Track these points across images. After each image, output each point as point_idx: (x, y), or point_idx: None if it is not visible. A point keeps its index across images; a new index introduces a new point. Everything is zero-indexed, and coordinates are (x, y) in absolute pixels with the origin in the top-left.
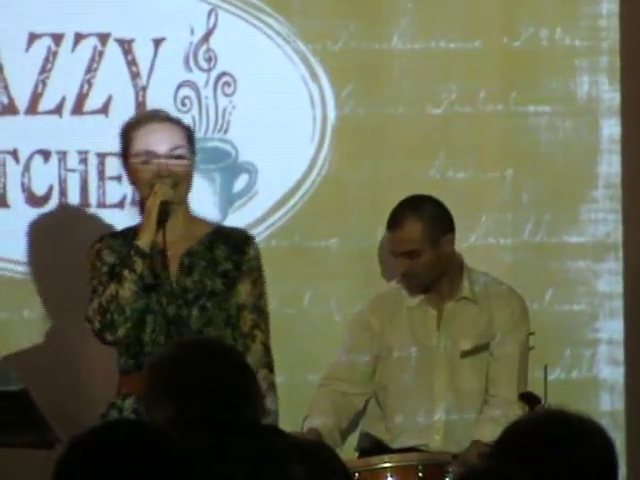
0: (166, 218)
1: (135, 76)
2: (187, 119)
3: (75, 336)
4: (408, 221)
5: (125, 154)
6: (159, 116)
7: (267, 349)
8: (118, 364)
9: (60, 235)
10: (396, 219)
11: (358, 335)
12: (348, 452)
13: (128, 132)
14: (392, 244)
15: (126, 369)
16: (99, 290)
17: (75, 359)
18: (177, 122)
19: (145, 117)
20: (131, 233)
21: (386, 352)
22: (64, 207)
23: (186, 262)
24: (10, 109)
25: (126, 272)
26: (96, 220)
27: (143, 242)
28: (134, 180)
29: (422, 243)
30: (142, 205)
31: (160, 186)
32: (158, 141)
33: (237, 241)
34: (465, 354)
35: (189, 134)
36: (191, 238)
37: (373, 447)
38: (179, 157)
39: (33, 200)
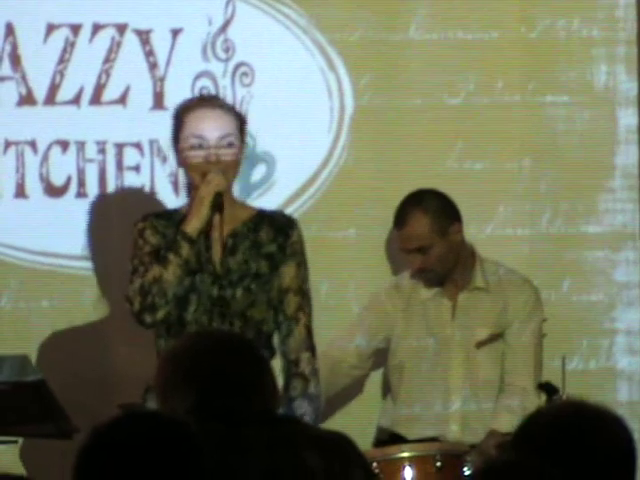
0: (221, 209)
1: (153, 66)
2: None
3: (94, 325)
4: (413, 217)
5: (176, 137)
6: (213, 102)
7: (310, 333)
8: (156, 346)
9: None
10: (401, 216)
11: (372, 314)
12: (365, 444)
13: (180, 115)
14: (402, 242)
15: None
16: (140, 270)
17: (94, 349)
18: (230, 109)
19: (198, 102)
20: (177, 215)
21: (397, 341)
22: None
23: (230, 243)
24: (28, 100)
25: (171, 256)
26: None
27: (191, 228)
28: (183, 164)
29: (431, 237)
30: (189, 189)
31: (214, 176)
32: (209, 128)
33: (281, 224)
34: (480, 344)
35: (241, 122)
36: (235, 220)
37: (390, 440)
38: (229, 145)
39: (51, 190)
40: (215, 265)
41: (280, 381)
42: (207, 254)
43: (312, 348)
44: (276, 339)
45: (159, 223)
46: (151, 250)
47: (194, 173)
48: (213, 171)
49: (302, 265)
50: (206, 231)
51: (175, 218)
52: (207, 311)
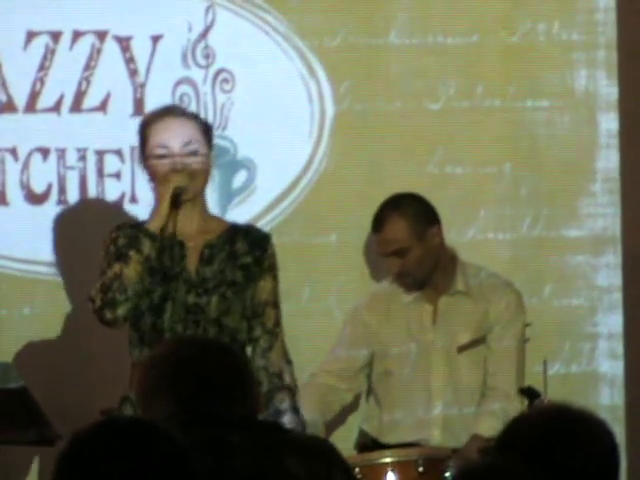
0: (178, 204)
1: (133, 73)
2: None
3: (76, 332)
4: (391, 220)
5: (142, 151)
6: (174, 111)
7: (285, 346)
8: (131, 355)
9: (67, 231)
10: (379, 221)
11: (353, 331)
12: (346, 449)
13: (144, 129)
14: (379, 246)
15: (140, 359)
16: (106, 272)
17: (76, 355)
18: (193, 117)
19: (160, 113)
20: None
21: (382, 349)
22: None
23: (206, 253)
24: (8, 107)
25: (132, 252)
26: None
27: (153, 225)
28: (151, 176)
29: (408, 240)
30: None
31: (174, 175)
32: (172, 136)
33: (257, 237)
34: (462, 348)
35: (205, 128)
36: (210, 232)
37: (371, 444)
38: (192, 153)
39: (32, 198)
40: (190, 273)
41: None
42: (182, 263)
43: (290, 362)
44: (249, 351)
45: (132, 230)
46: (116, 251)
47: (161, 183)
48: (175, 176)
49: (276, 279)
50: (180, 241)
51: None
52: (181, 319)
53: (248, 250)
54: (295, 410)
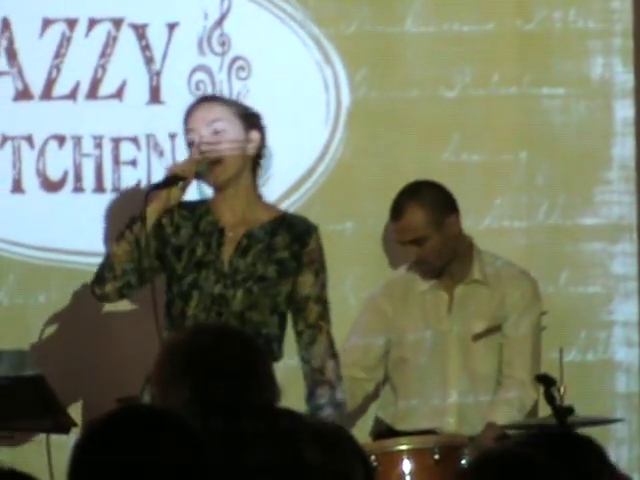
0: (168, 184)
1: (149, 61)
2: None
3: (92, 320)
4: (409, 209)
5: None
6: (206, 98)
7: (331, 340)
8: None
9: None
10: (397, 209)
11: (370, 320)
12: (362, 436)
13: (184, 121)
14: (397, 234)
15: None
16: None
17: (92, 343)
18: (225, 101)
19: (194, 102)
20: (202, 207)
21: (398, 336)
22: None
23: (244, 244)
24: (25, 94)
25: (127, 232)
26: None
27: (151, 207)
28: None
29: (426, 228)
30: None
31: (194, 163)
32: (196, 121)
33: (299, 231)
34: (477, 337)
35: (244, 113)
36: (253, 221)
37: (386, 432)
38: (217, 132)
39: (48, 185)
40: (223, 263)
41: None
42: (218, 251)
43: (335, 355)
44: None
45: (179, 213)
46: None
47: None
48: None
49: (320, 273)
50: (220, 228)
51: (198, 211)
52: (206, 309)
53: (288, 244)
54: (335, 404)
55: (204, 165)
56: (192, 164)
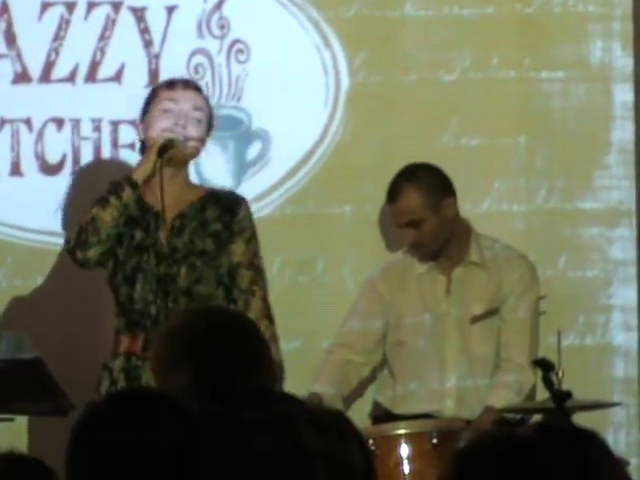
0: (165, 150)
1: (148, 44)
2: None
3: (90, 302)
4: (405, 191)
5: (146, 110)
6: (189, 83)
7: (266, 303)
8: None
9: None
10: (394, 191)
11: (368, 302)
12: (360, 419)
13: (157, 90)
14: (394, 216)
15: (118, 329)
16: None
17: (90, 325)
18: (204, 95)
19: (177, 81)
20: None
21: (396, 319)
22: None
23: (177, 224)
24: (23, 77)
25: (113, 198)
26: None
27: (137, 173)
28: (146, 132)
29: (423, 211)
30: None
31: (171, 132)
32: (183, 98)
33: (228, 203)
34: (475, 319)
35: (210, 112)
36: (184, 202)
37: (385, 415)
38: (199, 120)
39: (47, 168)
40: (162, 245)
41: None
42: (156, 234)
43: (269, 316)
44: None
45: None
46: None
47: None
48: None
49: (251, 241)
50: (155, 212)
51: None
52: (152, 290)
53: (218, 216)
54: None
55: (181, 140)
56: (179, 138)
